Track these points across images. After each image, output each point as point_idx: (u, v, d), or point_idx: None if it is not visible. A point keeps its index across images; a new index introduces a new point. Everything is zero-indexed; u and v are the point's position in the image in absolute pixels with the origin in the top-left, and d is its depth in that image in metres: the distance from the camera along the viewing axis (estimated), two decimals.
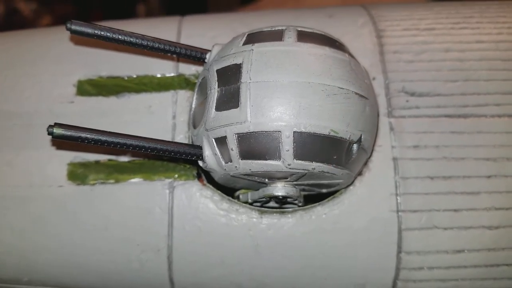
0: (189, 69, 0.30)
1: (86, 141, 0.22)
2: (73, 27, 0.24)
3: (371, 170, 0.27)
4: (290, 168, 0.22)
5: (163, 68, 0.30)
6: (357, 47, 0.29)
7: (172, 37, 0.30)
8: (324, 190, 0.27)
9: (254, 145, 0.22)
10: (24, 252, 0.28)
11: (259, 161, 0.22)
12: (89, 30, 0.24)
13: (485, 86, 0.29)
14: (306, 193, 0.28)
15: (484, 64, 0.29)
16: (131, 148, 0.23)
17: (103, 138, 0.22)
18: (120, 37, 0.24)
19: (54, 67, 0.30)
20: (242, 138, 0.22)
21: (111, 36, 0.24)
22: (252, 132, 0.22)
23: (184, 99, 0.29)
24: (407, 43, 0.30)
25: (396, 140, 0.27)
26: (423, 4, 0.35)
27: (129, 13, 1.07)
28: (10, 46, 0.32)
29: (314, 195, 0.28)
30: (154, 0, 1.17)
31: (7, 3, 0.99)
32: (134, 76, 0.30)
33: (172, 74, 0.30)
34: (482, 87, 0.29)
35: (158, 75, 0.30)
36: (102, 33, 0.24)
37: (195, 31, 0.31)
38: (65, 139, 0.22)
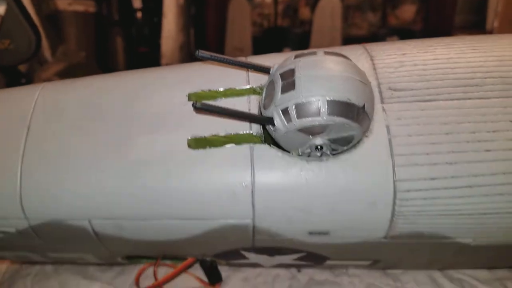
0: (256, 83, 0.49)
1: (215, 111, 0.40)
2: (200, 54, 0.43)
3: (373, 132, 0.44)
4: (326, 121, 0.39)
5: (239, 84, 0.49)
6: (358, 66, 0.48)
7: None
8: (345, 148, 0.44)
9: (305, 109, 0.39)
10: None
11: (308, 118, 0.40)
12: (210, 57, 0.43)
13: (440, 83, 0.46)
14: (334, 152, 0.44)
15: (439, 71, 0.47)
16: (240, 115, 0.41)
17: (224, 111, 0.40)
18: (228, 60, 0.43)
19: (171, 85, 0.49)
20: (298, 106, 0.40)
21: (223, 60, 0.43)
22: (304, 102, 0.39)
23: (254, 100, 0.47)
24: (390, 62, 0.49)
25: (387, 116, 0.45)
26: (401, 41, 0.54)
27: None
28: (141, 76, 0.51)
29: None
30: None
31: None
32: (222, 89, 0.48)
33: (246, 87, 0.48)
34: (438, 84, 0.46)
35: (237, 88, 0.48)
36: (218, 58, 0.43)
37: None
38: (203, 110, 0.40)
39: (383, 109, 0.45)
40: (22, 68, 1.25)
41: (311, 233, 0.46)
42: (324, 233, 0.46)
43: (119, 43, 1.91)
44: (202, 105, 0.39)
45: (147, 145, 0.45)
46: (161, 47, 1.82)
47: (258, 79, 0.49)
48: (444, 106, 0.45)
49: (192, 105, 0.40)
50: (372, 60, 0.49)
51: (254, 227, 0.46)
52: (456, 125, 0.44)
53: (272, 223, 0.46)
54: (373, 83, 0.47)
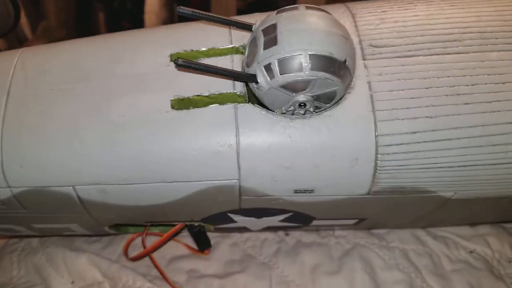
0: (238, 43, 0.48)
1: (197, 68, 0.40)
2: (180, 10, 0.42)
3: (355, 89, 0.45)
4: (308, 76, 0.39)
5: (222, 44, 0.48)
6: None
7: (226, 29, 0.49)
8: (327, 105, 0.44)
9: (287, 65, 0.39)
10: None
11: (290, 74, 0.40)
12: (191, 14, 0.42)
13: (420, 39, 0.47)
14: (317, 111, 0.45)
15: (418, 27, 0.48)
16: (223, 72, 0.40)
17: (206, 68, 0.40)
18: (210, 17, 0.43)
19: (153, 46, 0.49)
20: (280, 61, 0.40)
21: (205, 16, 0.43)
22: (286, 57, 0.39)
23: (237, 59, 0.47)
24: (371, 19, 0.49)
25: (368, 72, 0.45)
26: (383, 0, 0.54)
27: None
28: (124, 38, 0.50)
29: None
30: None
31: None
32: (205, 49, 0.48)
33: (229, 46, 0.48)
34: (418, 40, 0.47)
35: (220, 47, 0.48)
36: (200, 15, 0.42)
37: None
38: (184, 66, 0.39)
39: (365, 66, 0.46)
40: (1, 46, 1.22)
41: (296, 191, 0.47)
42: (309, 191, 0.47)
43: (101, 18, 1.87)
44: (184, 62, 0.39)
45: (130, 107, 0.45)
46: (144, 22, 1.79)
47: (240, 39, 0.49)
48: (424, 61, 0.46)
49: (174, 62, 0.39)
50: (353, 17, 0.49)
51: (240, 187, 0.46)
52: (436, 79, 0.44)
53: (258, 183, 0.46)
54: (355, 40, 0.47)
